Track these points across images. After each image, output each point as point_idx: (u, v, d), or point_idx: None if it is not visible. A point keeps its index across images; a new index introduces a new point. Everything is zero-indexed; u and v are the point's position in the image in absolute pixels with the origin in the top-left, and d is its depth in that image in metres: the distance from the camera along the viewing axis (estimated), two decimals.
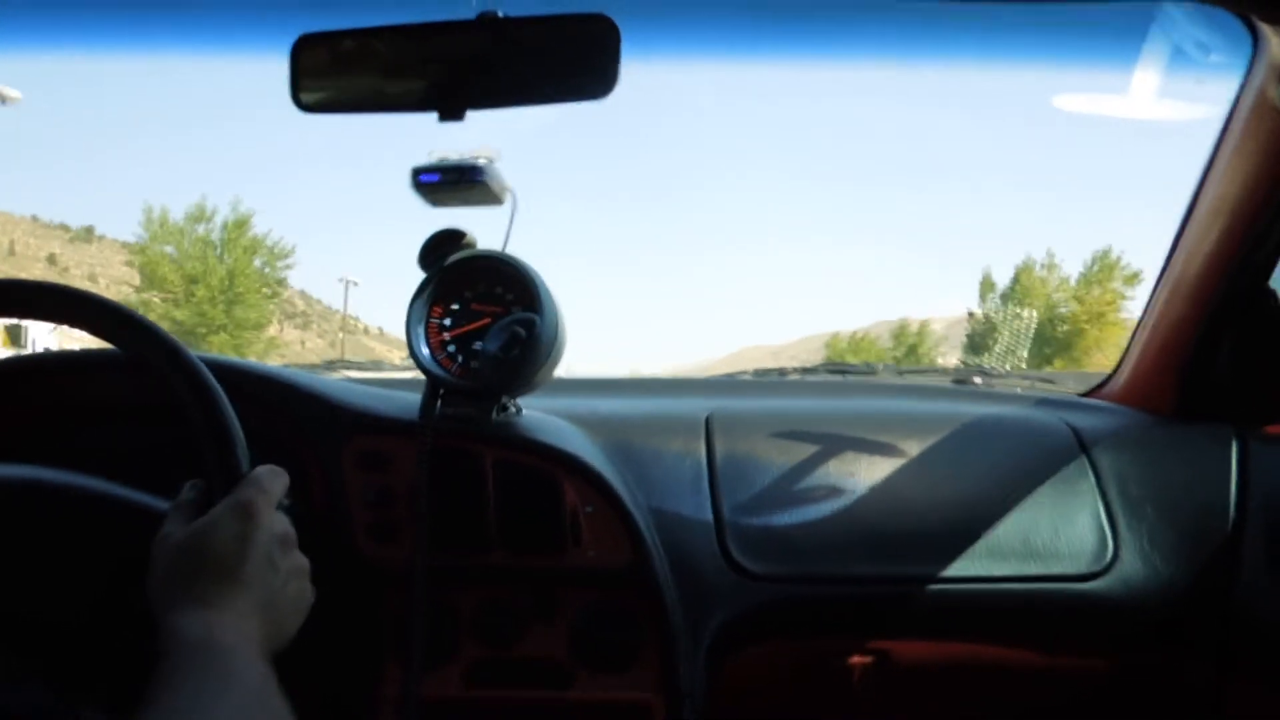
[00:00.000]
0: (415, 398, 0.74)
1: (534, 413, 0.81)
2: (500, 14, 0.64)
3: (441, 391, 0.73)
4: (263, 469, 0.53)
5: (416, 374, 0.77)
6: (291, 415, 0.75)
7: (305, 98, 0.68)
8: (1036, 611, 0.79)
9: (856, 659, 0.81)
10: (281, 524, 0.52)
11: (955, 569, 0.78)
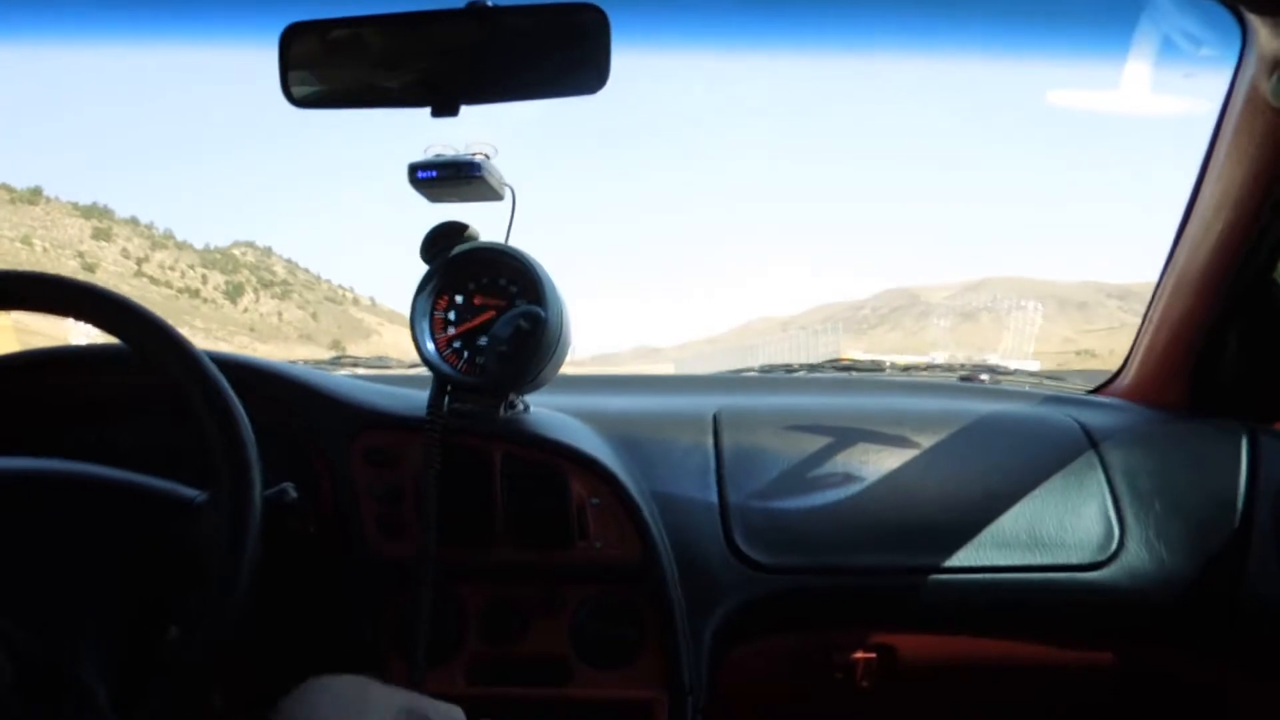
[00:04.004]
0: (423, 395, 0.77)
1: (541, 410, 0.85)
2: (490, 3, 0.67)
3: (449, 388, 0.76)
4: None
5: (423, 371, 0.80)
6: (300, 412, 0.78)
7: (296, 91, 0.70)
8: (1039, 602, 0.83)
9: (860, 653, 0.85)
10: None
11: (959, 559, 0.82)
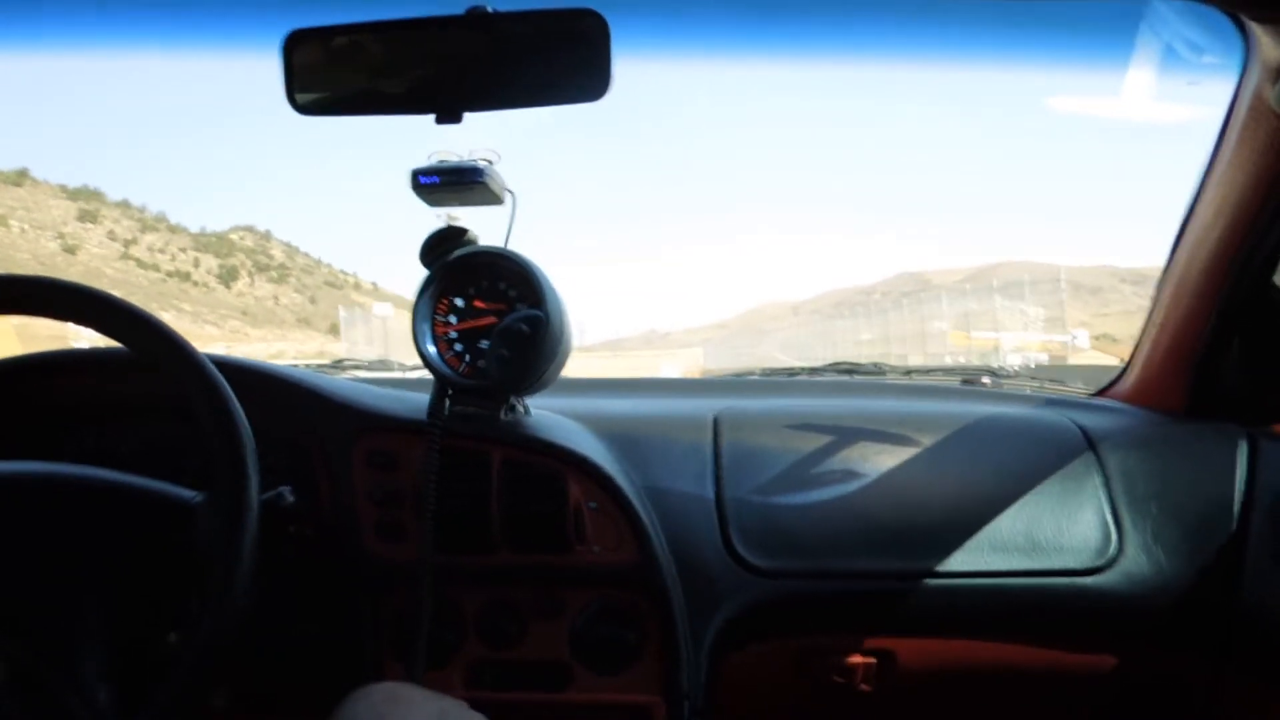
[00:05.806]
0: (424, 398, 0.79)
1: (542, 413, 0.86)
2: (490, 9, 0.68)
3: (450, 391, 0.78)
4: None
5: (424, 374, 0.82)
6: (301, 415, 0.79)
7: (300, 98, 0.71)
8: (1039, 606, 0.84)
9: (858, 657, 0.87)
10: None
11: (958, 564, 0.83)
